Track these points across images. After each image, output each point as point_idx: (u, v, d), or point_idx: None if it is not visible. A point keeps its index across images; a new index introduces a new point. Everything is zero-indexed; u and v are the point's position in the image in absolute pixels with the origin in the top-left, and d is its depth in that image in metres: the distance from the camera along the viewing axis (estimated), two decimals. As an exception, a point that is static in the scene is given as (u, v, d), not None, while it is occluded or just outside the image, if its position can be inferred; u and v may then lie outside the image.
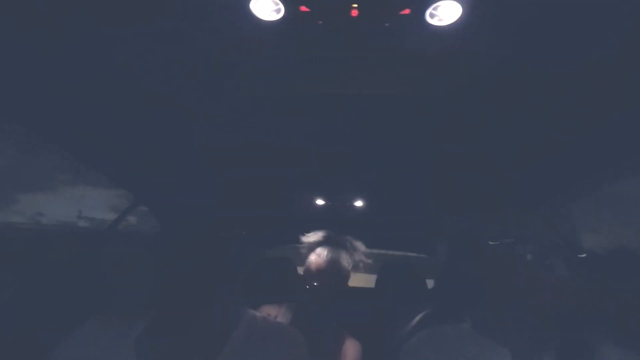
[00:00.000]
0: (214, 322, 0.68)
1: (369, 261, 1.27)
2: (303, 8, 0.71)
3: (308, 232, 1.29)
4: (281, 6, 0.70)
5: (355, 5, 0.71)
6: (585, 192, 1.29)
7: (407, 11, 0.72)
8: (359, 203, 1.85)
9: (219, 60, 0.87)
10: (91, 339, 0.65)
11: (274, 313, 1.25)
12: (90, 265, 1.36)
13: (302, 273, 1.24)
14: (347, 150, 1.28)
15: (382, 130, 1.16)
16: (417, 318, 1.24)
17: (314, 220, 2.01)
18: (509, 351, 0.75)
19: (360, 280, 1.61)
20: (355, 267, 1.24)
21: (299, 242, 1.28)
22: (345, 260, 1.21)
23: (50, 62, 0.85)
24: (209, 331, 0.66)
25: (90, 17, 0.74)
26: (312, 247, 1.24)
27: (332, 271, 1.18)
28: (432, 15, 0.74)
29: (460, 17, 0.72)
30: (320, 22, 0.73)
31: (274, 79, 0.95)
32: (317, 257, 1.19)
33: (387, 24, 0.74)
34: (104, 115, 1.07)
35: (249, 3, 0.70)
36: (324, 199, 1.84)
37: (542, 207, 1.38)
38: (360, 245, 1.27)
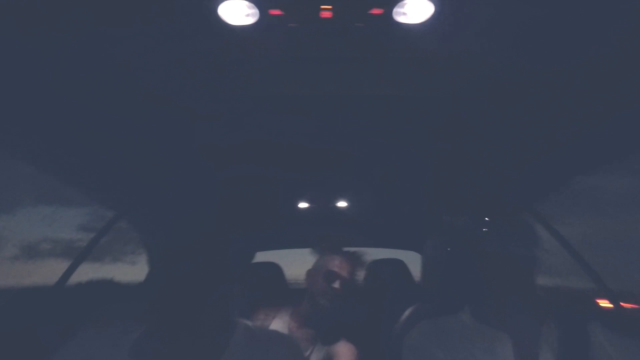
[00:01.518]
0: (211, 326, 0.69)
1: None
2: (276, 11, 0.73)
3: (318, 239, 1.33)
4: (253, 10, 0.72)
5: (327, 7, 0.74)
6: (582, 191, 1.37)
7: (378, 11, 0.75)
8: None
9: (193, 64, 0.89)
10: (88, 345, 0.66)
11: (272, 315, 1.28)
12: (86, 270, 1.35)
13: (311, 278, 1.27)
14: (326, 150, 1.32)
15: (362, 129, 1.20)
16: (407, 312, 1.28)
17: (309, 221, 2.05)
18: (510, 338, 0.77)
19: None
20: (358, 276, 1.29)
21: (296, 244, 1.31)
22: (354, 268, 1.27)
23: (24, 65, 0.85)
24: (205, 336, 0.67)
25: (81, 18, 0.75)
26: (322, 254, 1.29)
27: (344, 279, 1.22)
28: (402, 14, 0.78)
29: (431, 15, 0.77)
30: (293, 24, 0.76)
31: (248, 81, 0.98)
32: (331, 265, 1.24)
33: (359, 24, 0.77)
34: (99, 114, 1.07)
35: (218, 8, 0.72)
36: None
37: (537, 205, 1.44)
38: (364, 256, 1.33)
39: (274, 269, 1.80)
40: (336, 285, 1.21)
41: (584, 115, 1.02)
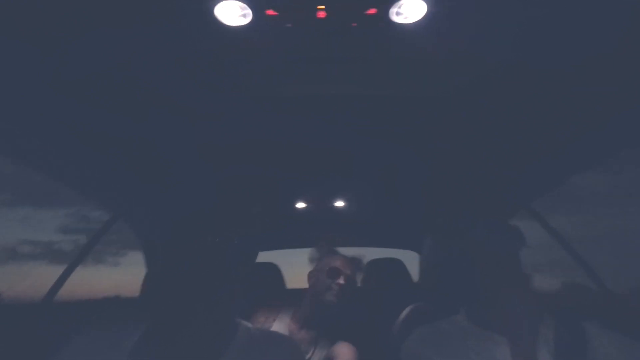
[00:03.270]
0: (211, 328, 0.70)
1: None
2: (270, 12, 0.74)
3: (317, 239, 1.36)
4: (247, 11, 0.74)
5: (322, 7, 0.75)
6: (580, 190, 1.39)
7: (373, 11, 0.77)
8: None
9: (192, 64, 0.91)
10: (87, 349, 0.67)
11: (272, 317, 1.30)
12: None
13: (313, 278, 1.29)
14: (324, 150, 1.33)
15: (360, 129, 1.22)
16: (405, 312, 1.30)
17: (309, 220, 2.07)
18: (507, 340, 0.78)
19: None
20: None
21: (296, 244, 1.33)
22: (355, 268, 1.30)
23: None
24: (204, 339, 0.69)
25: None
26: (322, 254, 1.32)
27: (347, 276, 1.24)
28: (397, 14, 0.79)
29: (426, 15, 0.78)
30: (288, 25, 0.77)
31: (246, 81, 0.99)
32: (333, 263, 1.27)
33: (354, 25, 0.78)
34: (99, 114, 1.08)
35: (214, 9, 0.74)
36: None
37: (534, 205, 1.46)
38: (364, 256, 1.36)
39: (273, 270, 1.82)
40: (339, 282, 1.23)
41: (581, 115, 1.04)
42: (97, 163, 1.33)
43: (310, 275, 1.32)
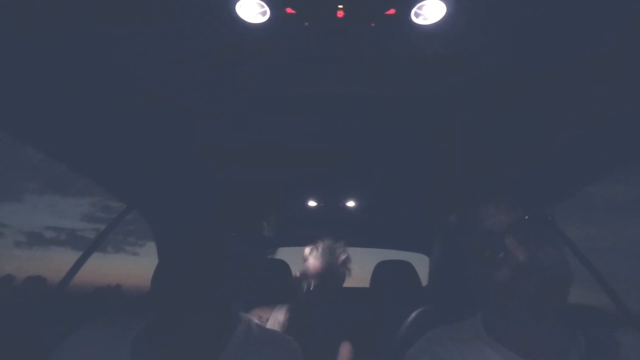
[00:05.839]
0: (212, 324, 0.72)
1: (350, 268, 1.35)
2: (289, 10, 0.76)
3: (306, 238, 1.36)
4: (267, 9, 0.75)
5: (341, 7, 0.76)
6: (582, 192, 1.36)
7: (392, 11, 0.77)
8: (353, 203, 1.92)
9: (206, 62, 0.92)
10: (89, 342, 0.69)
11: (266, 315, 1.31)
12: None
13: (298, 276, 1.31)
14: (335, 150, 1.34)
15: (372, 129, 1.22)
16: (412, 316, 1.30)
17: (311, 221, 2.08)
18: (513, 350, 0.76)
19: (354, 280, 1.67)
20: (346, 274, 1.32)
21: (296, 243, 1.33)
22: (339, 263, 1.29)
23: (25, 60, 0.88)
24: (206, 334, 0.70)
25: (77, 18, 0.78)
26: (309, 252, 1.32)
27: (328, 273, 1.24)
28: (417, 15, 0.80)
29: (445, 16, 0.78)
30: (307, 23, 0.78)
31: (260, 80, 1.00)
32: (314, 260, 1.27)
33: (372, 25, 0.79)
34: (99, 114, 1.11)
35: (234, 6, 0.75)
36: (318, 200, 1.90)
37: (539, 206, 1.44)
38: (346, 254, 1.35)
39: (276, 268, 1.84)
40: (336, 288, 1.24)
41: (586, 117, 1.03)
42: (97, 161, 1.36)
43: (295, 279, 1.33)
